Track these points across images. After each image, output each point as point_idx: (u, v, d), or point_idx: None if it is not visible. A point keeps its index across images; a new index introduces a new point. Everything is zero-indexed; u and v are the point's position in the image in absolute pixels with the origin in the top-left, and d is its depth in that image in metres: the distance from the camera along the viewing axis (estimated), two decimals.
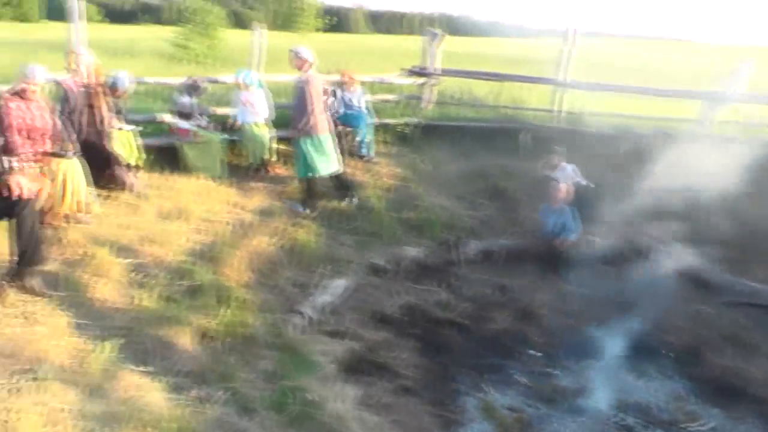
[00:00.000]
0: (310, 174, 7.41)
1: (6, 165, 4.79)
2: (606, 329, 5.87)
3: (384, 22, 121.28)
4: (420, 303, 5.80)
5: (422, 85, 11.47)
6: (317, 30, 28.49)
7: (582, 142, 9.13)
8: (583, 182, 7.89)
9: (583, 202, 7.49)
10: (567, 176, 7.98)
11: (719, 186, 7.23)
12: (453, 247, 6.90)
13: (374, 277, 5.99)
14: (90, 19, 7.40)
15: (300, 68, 7.41)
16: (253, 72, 8.87)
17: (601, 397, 5.06)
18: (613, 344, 5.69)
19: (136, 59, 18.91)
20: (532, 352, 5.61)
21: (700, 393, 5.25)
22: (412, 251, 6.60)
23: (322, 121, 7.39)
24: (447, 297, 6.05)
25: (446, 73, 11.86)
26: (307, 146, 7.32)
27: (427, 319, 5.64)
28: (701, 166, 7.42)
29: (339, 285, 5.63)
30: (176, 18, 30.44)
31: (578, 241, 7.21)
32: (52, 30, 45.99)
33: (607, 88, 11.15)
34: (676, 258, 6.95)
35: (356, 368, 4.84)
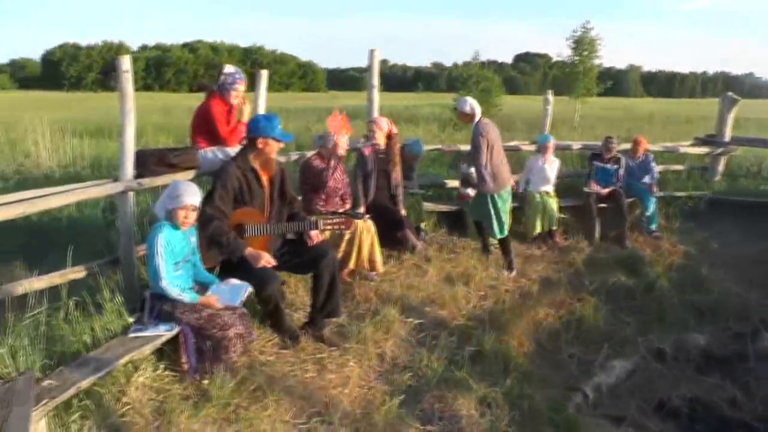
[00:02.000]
0: (506, 232, 7.30)
1: (311, 223, 5.22)
2: None
3: (657, 84, 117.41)
4: (706, 397, 5.40)
5: (711, 155, 10.85)
6: (594, 94, 27.93)
7: None
8: None
9: None
10: None
11: None
12: (744, 339, 6.37)
13: (656, 363, 5.68)
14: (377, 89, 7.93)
15: (470, 122, 7.18)
16: (552, 138, 8.85)
17: None
18: None
19: (416, 125, 19.95)
20: None
21: None
22: (698, 338, 6.18)
23: (503, 173, 7.17)
24: (737, 394, 5.57)
25: (737, 141, 11.11)
26: (495, 203, 7.16)
27: (714, 416, 5.23)
28: None
29: (620, 366, 5.41)
30: (449, 85, 31.64)
31: None
32: (335, 99, 50.19)
33: None
34: None
35: None
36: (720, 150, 10.78)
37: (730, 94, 11.00)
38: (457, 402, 4.47)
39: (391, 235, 7.01)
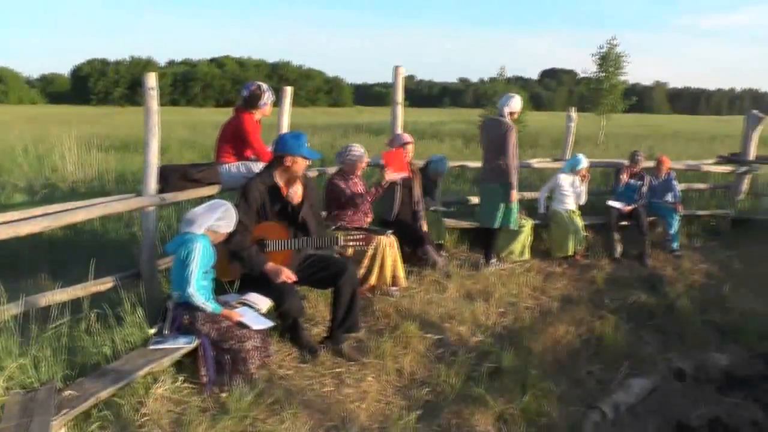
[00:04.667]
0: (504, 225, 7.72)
1: (335, 239, 5.28)
2: None
3: (683, 101, 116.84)
4: (727, 418, 5.34)
5: (735, 173, 10.76)
6: (618, 111, 27.86)
7: None
8: None
9: None
10: None
11: None
12: (766, 359, 6.30)
13: (676, 382, 5.64)
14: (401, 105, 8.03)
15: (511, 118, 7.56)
16: (584, 157, 8.88)
17: None
18: None
19: (441, 141, 20.03)
20: None
21: None
22: (720, 358, 6.12)
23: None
24: (757, 414, 5.50)
25: (762, 160, 11.01)
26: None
27: None
28: None
29: (639, 385, 5.36)
30: (475, 101, 31.93)
31: None
32: (361, 114, 50.40)
33: None
34: None
35: None
36: (744, 169, 10.69)
37: (755, 111, 10.88)
38: (474, 418, 4.49)
39: (412, 252, 7.07)
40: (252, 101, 6.17)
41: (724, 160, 11.07)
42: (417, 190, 7.32)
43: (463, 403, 4.67)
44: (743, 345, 6.33)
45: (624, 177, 9.08)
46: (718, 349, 6.26)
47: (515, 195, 7.53)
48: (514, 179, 7.47)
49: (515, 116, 7.63)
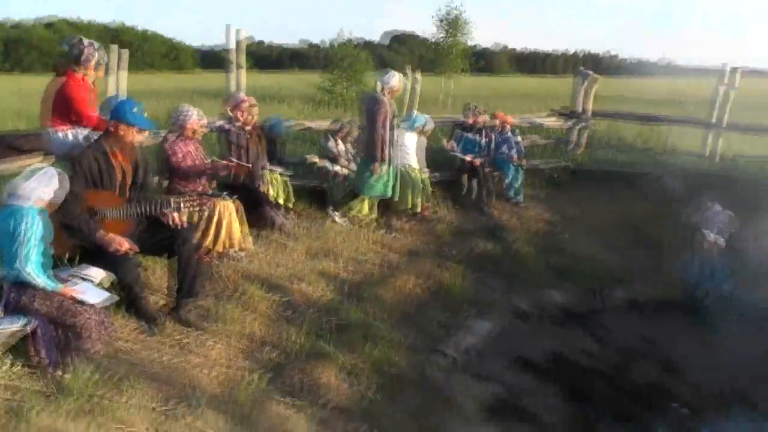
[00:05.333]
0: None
1: (169, 203, 5.12)
2: (754, 384, 5.51)
3: (528, 63, 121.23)
4: (564, 350, 5.67)
5: (571, 128, 11.30)
6: (463, 72, 28.66)
7: (737, 189, 8.51)
8: (726, 234, 7.50)
9: (737, 252, 7.14)
10: (717, 224, 7.64)
11: None
12: (598, 294, 6.72)
13: (518, 321, 5.92)
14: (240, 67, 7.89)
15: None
16: (422, 116, 9.01)
17: None
18: (762, 400, 5.32)
19: (285, 104, 19.85)
20: (675, 405, 5.31)
21: None
22: (557, 296, 6.48)
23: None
24: (591, 345, 5.89)
25: (595, 115, 11.60)
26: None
27: (571, 366, 5.51)
28: None
29: (483, 327, 5.59)
30: (322, 64, 31.92)
31: (728, 292, 6.86)
32: (205, 79, 48.74)
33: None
34: None
35: (498, 411, 4.78)
36: (576, 123, 11.25)
37: (582, 68, 11.49)
38: (324, 373, 4.52)
39: (253, 213, 6.93)
40: (74, 57, 5.74)
41: (555, 114, 11.61)
42: (253, 151, 7.18)
43: (311, 361, 4.68)
44: (577, 282, 6.70)
45: (448, 145, 9.36)
46: (557, 288, 6.60)
47: (377, 167, 7.52)
48: (378, 152, 7.47)
49: (396, 93, 7.67)
